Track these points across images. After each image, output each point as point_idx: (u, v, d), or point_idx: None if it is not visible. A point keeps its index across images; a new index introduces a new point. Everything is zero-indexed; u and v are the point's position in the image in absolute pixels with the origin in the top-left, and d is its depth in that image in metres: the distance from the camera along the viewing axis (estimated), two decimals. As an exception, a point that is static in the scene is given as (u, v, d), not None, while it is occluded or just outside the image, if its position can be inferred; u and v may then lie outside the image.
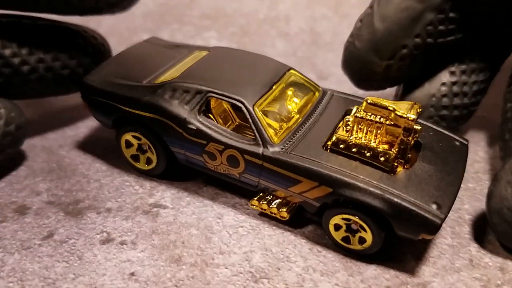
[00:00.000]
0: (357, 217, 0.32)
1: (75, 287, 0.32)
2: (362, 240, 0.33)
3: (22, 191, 0.39)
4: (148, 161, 0.39)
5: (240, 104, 0.35)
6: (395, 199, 0.31)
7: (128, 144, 0.40)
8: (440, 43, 0.39)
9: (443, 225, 0.36)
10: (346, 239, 0.34)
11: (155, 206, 0.38)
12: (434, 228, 0.30)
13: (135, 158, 0.40)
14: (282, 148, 0.34)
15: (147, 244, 0.34)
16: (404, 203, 0.31)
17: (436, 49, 0.39)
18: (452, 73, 0.40)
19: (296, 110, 0.37)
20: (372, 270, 0.33)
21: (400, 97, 0.42)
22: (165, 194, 0.39)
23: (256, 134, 0.34)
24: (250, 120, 0.35)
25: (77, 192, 0.39)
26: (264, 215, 0.37)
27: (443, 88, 0.39)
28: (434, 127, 0.37)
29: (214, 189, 0.39)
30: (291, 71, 0.39)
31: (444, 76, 0.40)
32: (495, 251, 0.34)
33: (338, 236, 0.34)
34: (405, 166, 0.33)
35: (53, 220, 0.36)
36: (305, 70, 0.40)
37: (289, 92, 0.38)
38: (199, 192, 0.39)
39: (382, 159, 0.33)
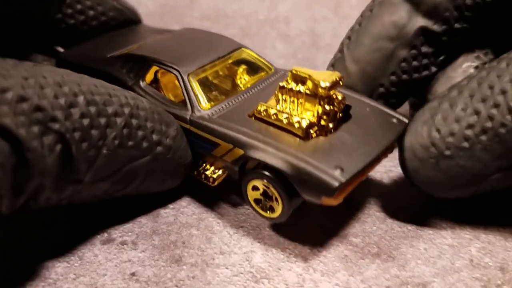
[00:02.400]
0: (264, 180, 0.33)
1: (76, 287, 0.32)
2: (272, 209, 0.34)
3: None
4: None
5: (175, 72, 0.37)
6: (296, 161, 0.31)
7: None
8: (416, 79, 0.39)
9: (443, 225, 0.36)
10: (258, 201, 0.34)
11: (156, 206, 0.38)
12: (330, 190, 0.30)
13: None
14: (209, 114, 0.35)
15: (148, 244, 0.35)
16: (304, 165, 0.31)
17: (412, 84, 0.39)
18: None
19: (241, 84, 0.39)
20: (372, 270, 0.33)
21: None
22: (165, 194, 0.39)
23: (187, 100, 0.36)
24: (182, 87, 0.37)
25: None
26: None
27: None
28: (373, 103, 0.37)
29: (215, 190, 0.39)
30: (243, 49, 0.41)
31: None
32: (495, 251, 0.34)
33: (252, 196, 0.34)
34: (324, 134, 0.34)
35: (53, 220, 0.36)
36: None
37: (240, 69, 0.40)
38: (199, 193, 0.39)
39: (296, 125, 0.33)
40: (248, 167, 0.34)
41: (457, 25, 0.37)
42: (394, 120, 0.36)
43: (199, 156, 0.37)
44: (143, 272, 0.33)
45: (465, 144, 0.32)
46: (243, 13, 0.70)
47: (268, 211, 0.34)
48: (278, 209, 0.33)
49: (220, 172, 0.36)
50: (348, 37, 0.41)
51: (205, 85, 0.37)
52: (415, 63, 0.39)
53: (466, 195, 0.34)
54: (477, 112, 0.31)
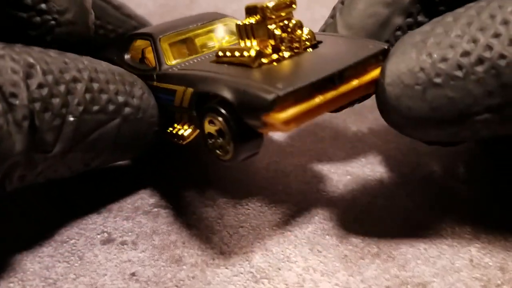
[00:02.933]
0: (214, 114, 0.31)
1: (76, 287, 0.32)
2: (226, 151, 0.31)
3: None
4: None
5: (149, 38, 0.38)
6: (238, 85, 0.29)
7: None
8: None
9: (443, 225, 0.36)
10: (210, 136, 0.32)
11: (156, 206, 0.38)
12: (266, 104, 0.27)
13: None
14: (172, 68, 0.36)
15: (148, 244, 0.35)
16: (243, 86, 0.29)
17: None
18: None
19: (218, 47, 0.39)
20: (372, 270, 0.33)
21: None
22: (166, 194, 0.39)
23: (155, 60, 0.37)
24: (153, 50, 0.37)
25: (77, 192, 0.39)
26: (263, 214, 0.37)
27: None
28: (350, 37, 0.35)
29: (215, 189, 0.39)
30: (227, 18, 0.41)
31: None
32: (495, 251, 0.34)
33: (207, 129, 0.32)
34: (278, 62, 0.32)
35: (54, 220, 0.36)
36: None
37: (222, 35, 0.40)
38: (199, 192, 0.39)
39: (246, 54, 0.31)
40: (203, 108, 0.32)
41: None
42: (370, 46, 0.33)
43: (170, 117, 0.37)
44: (143, 272, 0.33)
45: (458, 73, 0.29)
46: (243, 13, 0.70)
47: (220, 151, 0.32)
48: (230, 150, 0.31)
49: (190, 129, 0.35)
50: (342, 2, 0.39)
51: (176, 46, 0.38)
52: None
53: (445, 138, 0.31)
54: (474, 40, 0.28)
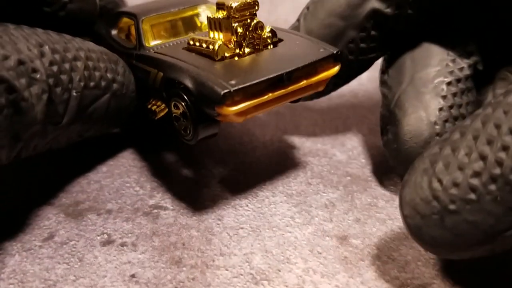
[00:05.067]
0: (178, 98, 0.34)
1: (76, 288, 0.32)
2: (187, 129, 0.35)
3: (23, 193, 0.39)
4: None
5: (133, 18, 0.41)
6: (198, 76, 0.33)
7: None
8: (361, 60, 0.39)
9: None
10: (176, 117, 0.36)
11: (156, 208, 0.38)
12: (218, 97, 0.31)
13: None
14: (150, 50, 0.39)
15: (148, 246, 0.34)
16: (202, 78, 0.32)
17: (357, 65, 0.40)
18: (444, 97, 0.36)
19: (198, 30, 0.42)
20: (372, 272, 0.33)
21: (398, 123, 0.38)
22: (166, 195, 0.39)
23: (136, 40, 0.40)
24: (135, 30, 0.40)
25: (77, 194, 0.39)
26: (263, 215, 0.37)
27: (443, 113, 0.36)
28: (307, 37, 0.38)
29: (215, 190, 0.39)
30: (209, 4, 0.43)
31: (438, 101, 0.36)
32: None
33: (173, 111, 0.36)
34: (239, 57, 0.35)
35: (54, 222, 0.36)
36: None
37: (202, 20, 0.42)
38: (199, 193, 0.39)
39: (210, 47, 0.35)
40: (170, 89, 0.36)
41: (410, 11, 0.37)
42: (321, 50, 0.36)
43: (146, 94, 0.39)
44: (143, 274, 0.33)
45: (472, 196, 0.27)
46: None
47: (183, 131, 0.36)
48: (191, 131, 0.35)
49: (162, 106, 0.37)
50: (307, 7, 0.41)
51: (158, 28, 0.41)
52: (362, 45, 0.39)
53: (481, 255, 0.29)
54: (483, 157, 0.27)
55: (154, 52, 0.38)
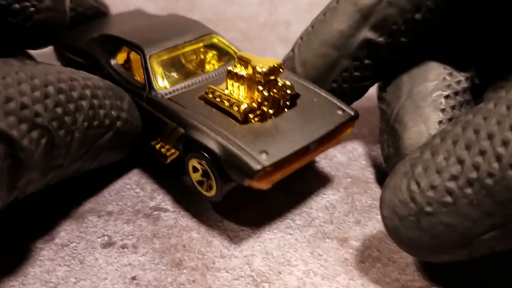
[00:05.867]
0: (203, 160, 0.34)
1: (76, 291, 0.32)
2: (210, 187, 0.35)
3: (24, 195, 0.39)
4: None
5: (139, 52, 0.39)
6: (226, 143, 0.32)
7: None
8: (355, 88, 0.40)
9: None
10: (201, 183, 0.35)
11: (156, 210, 0.38)
12: (251, 172, 0.31)
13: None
14: (162, 94, 0.37)
15: (148, 248, 0.35)
16: (231, 147, 0.32)
17: (351, 93, 0.40)
18: (443, 110, 0.36)
19: (206, 69, 0.41)
20: (373, 274, 0.33)
21: (399, 137, 0.38)
22: (166, 197, 0.39)
23: (145, 79, 0.38)
24: (143, 67, 0.38)
25: (78, 195, 0.39)
26: (263, 217, 0.37)
27: (442, 127, 0.36)
28: (324, 94, 0.38)
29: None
30: (213, 35, 0.42)
31: (437, 115, 0.36)
32: (496, 253, 0.34)
33: (195, 178, 0.36)
34: (263, 119, 0.35)
35: (54, 224, 0.36)
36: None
37: (209, 55, 0.41)
38: (200, 195, 0.39)
39: (235, 109, 0.34)
40: (189, 146, 0.35)
41: (403, 39, 0.38)
42: (339, 112, 0.36)
43: (156, 134, 0.38)
44: (144, 276, 0.33)
45: (448, 199, 0.27)
46: (243, 17, 0.70)
47: (208, 190, 0.35)
48: (213, 188, 0.34)
49: (173, 150, 0.37)
50: (301, 38, 0.41)
51: (167, 67, 0.39)
52: (356, 73, 0.39)
53: (459, 259, 0.29)
54: (460, 161, 0.27)
55: (168, 99, 0.37)
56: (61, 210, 0.38)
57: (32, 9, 0.35)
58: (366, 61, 0.39)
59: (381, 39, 0.38)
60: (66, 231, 0.36)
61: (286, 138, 0.33)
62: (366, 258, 0.34)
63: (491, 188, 0.26)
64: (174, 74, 0.39)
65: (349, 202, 0.39)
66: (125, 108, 0.37)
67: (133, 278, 0.32)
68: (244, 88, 0.35)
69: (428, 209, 0.28)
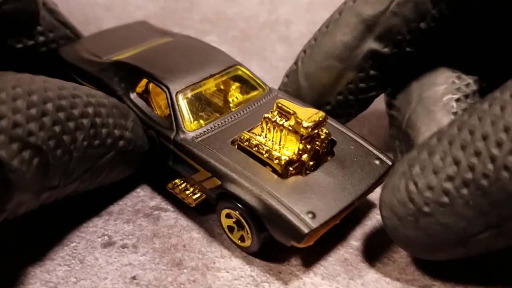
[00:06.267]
0: (237, 212, 0.32)
1: (77, 290, 0.32)
2: (242, 238, 0.33)
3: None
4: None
5: (164, 89, 0.36)
6: (269, 201, 0.31)
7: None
8: (361, 99, 0.39)
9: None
10: (230, 229, 0.34)
11: (156, 209, 0.38)
12: (300, 236, 0.30)
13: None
14: (192, 137, 0.35)
15: (148, 248, 0.35)
16: (276, 206, 0.30)
17: (357, 104, 0.40)
18: (455, 113, 0.36)
19: (232, 104, 0.39)
20: (373, 274, 0.33)
21: (412, 142, 0.38)
22: (166, 197, 0.39)
23: (172, 119, 0.36)
24: (170, 106, 0.36)
25: (78, 195, 0.39)
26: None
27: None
28: (360, 140, 0.36)
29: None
30: (237, 66, 0.40)
31: (450, 118, 0.36)
32: (496, 252, 0.34)
33: (225, 223, 0.34)
34: (303, 172, 0.33)
35: (54, 223, 0.37)
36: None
37: (233, 88, 0.39)
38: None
39: (276, 161, 0.33)
40: (225, 195, 0.34)
41: (408, 49, 0.37)
42: (377, 162, 0.35)
43: (180, 175, 0.36)
44: (144, 276, 0.33)
45: (445, 199, 0.28)
46: (244, 16, 0.70)
47: (239, 240, 0.34)
48: (248, 240, 0.33)
49: (199, 194, 0.35)
50: (304, 51, 0.41)
51: (194, 104, 0.37)
52: (362, 85, 0.39)
53: (456, 257, 0.30)
54: (456, 162, 0.28)
55: (199, 144, 0.34)
56: (61, 209, 0.38)
57: None
58: (372, 72, 0.38)
59: (386, 49, 0.37)
60: (66, 231, 0.36)
61: (330, 196, 0.32)
62: (366, 258, 0.34)
63: (486, 189, 0.26)
64: (202, 113, 0.37)
65: (349, 202, 0.39)
66: (129, 127, 0.35)
67: (133, 277, 0.32)
68: (283, 137, 0.33)
69: (426, 209, 0.28)
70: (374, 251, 0.34)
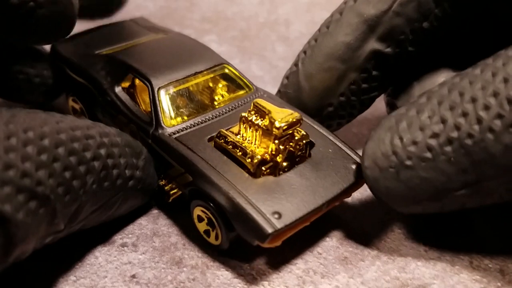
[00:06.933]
0: (208, 211, 0.33)
1: (76, 289, 0.32)
2: (217, 236, 0.33)
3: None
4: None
5: (147, 83, 0.37)
6: (237, 199, 0.31)
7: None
8: (364, 100, 0.39)
9: (443, 226, 0.36)
10: (207, 233, 0.34)
11: (156, 208, 0.38)
12: (263, 235, 0.30)
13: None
14: (170, 132, 0.35)
15: (148, 246, 0.35)
16: (243, 204, 0.30)
17: (360, 105, 0.40)
18: None
19: (217, 102, 0.38)
20: (372, 272, 0.33)
21: None
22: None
23: (152, 114, 0.36)
24: (151, 100, 0.36)
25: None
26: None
27: None
28: (339, 144, 0.36)
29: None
30: (224, 65, 0.40)
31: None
32: (495, 253, 0.34)
33: (201, 228, 0.34)
34: (276, 172, 0.33)
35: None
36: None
37: (219, 86, 0.39)
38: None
39: (248, 160, 0.33)
40: (196, 192, 0.33)
41: (410, 49, 0.37)
42: (354, 166, 0.34)
43: (159, 171, 0.36)
44: (144, 274, 0.33)
45: (428, 155, 0.29)
46: (243, 16, 0.70)
47: (216, 239, 0.34)
48: (219, 237, 0.33)
49: (176, 191, 0.35)
50: (304, 52, 0.40)
51: (176, 100, 0.37)
52: (364, 85, 0.39)
53: (431, 211, 0.32)
54: (443, 121, 0.29)
55: (176, 140, 0.34)
56: (61, 208, 0.38)
57: (31, 3, 0.32)
58: (374, 72, 0.38)
59: (388, 49, 0.37)
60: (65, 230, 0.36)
61: (299, 197, 0.31)
62: (365, 256, 0.34)
63: (469, 148, 0.28)
64: (183, 109, 0.37)
65: (349, 200, 0.39)
66: (140, 166, 0.34)
67: (133, 276, 0.32)
68: (258, 136, 0.33)
69: (408, 162, 0.30)
70: (374, 250, 0.35)
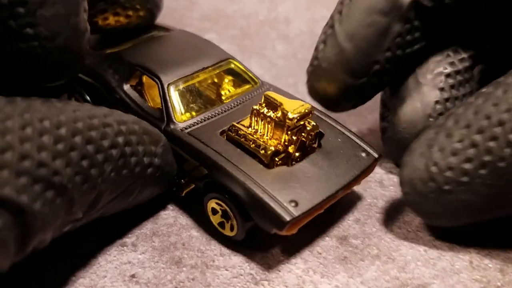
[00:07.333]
0: (223, 202, 0.33)
1: (76, 289, 0.32)
2: (232, 227, 0.34)
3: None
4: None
5: (156, 80, 0.37)
6: (254, 189, 0.31)
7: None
8: (408, 53, 0.38)
9: (443, 226, 0.36)
10: (221, 225, 0.34)
11: (156, 208, 0.38)
12: (282, 223, 0.30)
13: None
14: (182, 127, 0.36)
15: (148, 246, 0.35)
16: (260, 194, 0.31)
17: (404, 60, 0.38)
18: (441, 89, 0.37)
19: (224, 97, 0.39)
20: (372, 272, 0.33)
21: (395, 112, 0.39)
22: (166, 195, 0.39)
23: (163, 110, 0.36)
24: (161, 97, 0.37)
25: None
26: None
27: (438, 106, 0.37)
28: (347, 133, 0.37)
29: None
30: (230, 60, 0.41)
31: (435, 94, 0.37)
32: (495, 252, 0.34)
33: (215, 220, 0.35)
34: (289, 163, 0.34)
35: (54, 222, 0.37)
36: (305, 73, 0.40)
37: (226, 81, 0.40)
38: (199, 194, 0.39)
39: (262, 152, 0.33)
40: (211, 185, 0.34)
41: (447, 1, 0.36)
42: (363, 154, 0.35)
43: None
44: (143, 274, 0.33)
45: (465, 179, 0.31)
46: (243, 14, 0.70)
47: (230, 230, 0.34)
48: (235, 228, 0.33)
49: (190, 184, 0.36)
50: (339, 12, 0.38)
51: (185, 96, 0.37)
52: (409, 37, 0.37)
53: (473, 223, 0.33)
54: (474, 145, 0.30)
55: (189, 134, 0.35)
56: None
57: (39, 50, 0.30)
58: (416, 23, 0.37)
59: (426, 1, 0.36)
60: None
61: (314, 186, 0.32)
62: (365, 256, 0.34)
63: (502, 170, 0.30)
64: (193, 105, 0.37)
65: (349, 200, 0.39)
66: (158, 153, 0.33)
67: (132, 276, 0.32)
68: (270, 128, 0.34)
69: (446, 187, 0.32)
70: (374, 250, 0.34)
